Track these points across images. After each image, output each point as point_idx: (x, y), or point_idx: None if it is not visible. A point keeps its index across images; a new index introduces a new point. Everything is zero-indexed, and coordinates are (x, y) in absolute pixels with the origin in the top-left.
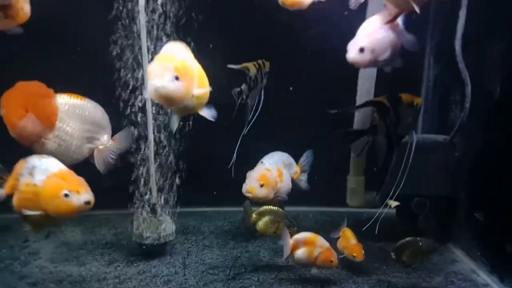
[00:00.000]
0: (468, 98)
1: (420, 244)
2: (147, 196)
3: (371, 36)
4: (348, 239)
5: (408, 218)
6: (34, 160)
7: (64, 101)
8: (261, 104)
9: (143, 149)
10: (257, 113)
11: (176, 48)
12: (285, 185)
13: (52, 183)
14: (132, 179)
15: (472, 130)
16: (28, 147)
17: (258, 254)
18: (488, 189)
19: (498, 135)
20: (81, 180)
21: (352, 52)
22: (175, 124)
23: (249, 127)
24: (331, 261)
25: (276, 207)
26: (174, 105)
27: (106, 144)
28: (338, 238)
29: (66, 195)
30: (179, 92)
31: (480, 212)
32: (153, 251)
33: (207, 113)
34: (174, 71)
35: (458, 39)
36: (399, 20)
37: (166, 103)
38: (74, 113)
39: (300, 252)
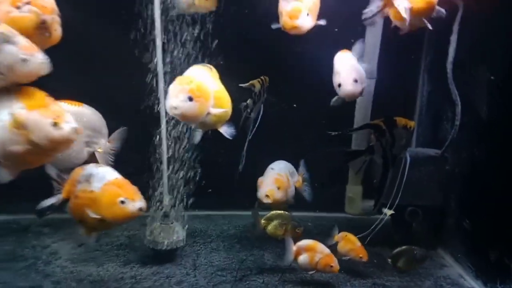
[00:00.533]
0: (458, 117)
1: (415, 252)
2: (159, 202)
3: (357, 67)
4: (353, 242)
5: (402, 226)
6: (91, 168)
7: (72, 110)
8: (260, 115)
9: (156, 156)
10: (256, 124)
11: (197, 71)
12: (291, 191)
13: (110, 191)
14: (145, 184)
15: (461, 146)
16: None
17: (263, 257)
18: (476, 200)
19: (485, 151)
20: (135, 188)
21: (349, 85)
22: (197, 137)
23: (251, 135)
24: (331, 266)
25: (282, 211)
26: (189, 122)
27: (104, 147)
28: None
29: (122, 202)
30: (192, 111)
31: (468, 221)
32: (165, 254)
33: (225, 131)
34: (188, 92)
35: (449, 62)
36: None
37: (181, 119)
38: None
39: (302, 258)
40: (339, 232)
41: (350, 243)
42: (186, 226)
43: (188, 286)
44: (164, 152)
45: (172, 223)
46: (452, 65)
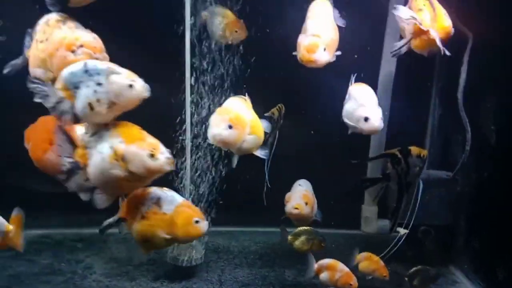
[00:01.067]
0: (468, 142)
1: (429, 272)
2: None
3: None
4: (377, 262)
5: (415, 244)
6: (157, 192)
7: (82, 132)
8: (276, 138)
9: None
10: (273, 147)
11: (234, 102)
12: (315, 208)
13: (184, 212)
14: None
15: (471, 168)
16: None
17: (284, 273)
18: (484, 220)
19: (493, 174)
20: (198, 209)
21: (378, 121)
22: (234, 161)
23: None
24: (351, 284)
25: (308, 227)
26: (229, 148)
27: None
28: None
29: (196, 222)
30: (231, 138)
31: (477, 240)
32: (190, 271)
33: (260, 153)
34: (228, 121)
35: (460, 92)
36: None
37: (222, 145)
38: None
39: (324, 275)
40: (359, 253)
41: (374, 263)
42: (204, 245)
43: None
44: (188, 173)
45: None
46: (462, 94)
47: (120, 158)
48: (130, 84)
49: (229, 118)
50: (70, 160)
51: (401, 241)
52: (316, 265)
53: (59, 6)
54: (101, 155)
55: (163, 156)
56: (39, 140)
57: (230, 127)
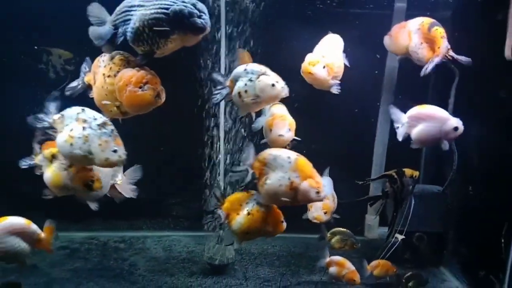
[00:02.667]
0: (455, 162)
1: (422, 276)
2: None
3: None
4: (387, 265)
5: (410, 248)
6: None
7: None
8: None
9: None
10: None
11: (283, 110)
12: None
13: (275, 212)
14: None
15: (458, 184)
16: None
17: (299, 272)
18: (470, 229)
19: (477, 189)
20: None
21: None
22: None
23: None
24: (354, 280)
25: (345, 229)
26: (282, 146)
27: (121, 180)
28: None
29: (282, 221)
30: (289, 139)
31: (463, 245)
32: (220, 268)
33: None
34: (288, 125)
35: None
36: None
37: (283, 145)
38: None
39: (332, 269)
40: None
41: (384, 266)
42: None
43: None
44: (221, 184)
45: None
46: None
47: (294, 189)
48: (273, 83)
49: (288, 123)
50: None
51: (395, 245)
52: (328, 259)
53: (146, 59)
54: (279, 181)
55: (324, 192)
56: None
57: (289, 130)
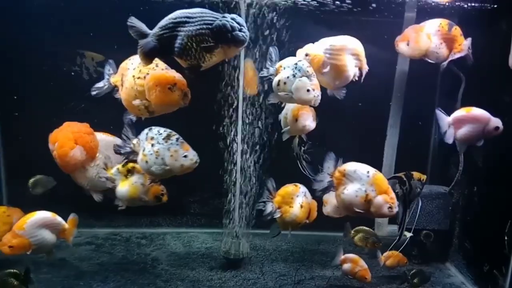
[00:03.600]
0: (461, 164)
1: (426, 273)
2: (232, 221)
3: None
4: (398, 256)
5: (418, 245)
6: (304, 188)
7: (101, 137)
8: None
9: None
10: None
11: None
12: None
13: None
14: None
15: (464, 185)
16: (70, 173)
17: (312, 267)
18: (474, 226)
19: (481, 189)
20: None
21: None
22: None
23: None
24: (366, 278)
25: (368, 228)
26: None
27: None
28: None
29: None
30: (313, 128)
31: (468, 242)
32: (237, 263)
33: None
34: (312, 116)
35: None
36: None
37: (305, 132)
38: (106, 146)
39: (346, 266)
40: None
41: (396, 257)
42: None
43: (261, 286)
44: (238, 184)
45: (240, 239)
46: None
47: (368, 201)
48: (308, 89)
49: (312, 114)
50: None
51: (405, 243)
52: (342, 257)
53: (194, 73)
54: (355, 192)
55: (395, 210)
56: (66, 139)
57: (313, 120)
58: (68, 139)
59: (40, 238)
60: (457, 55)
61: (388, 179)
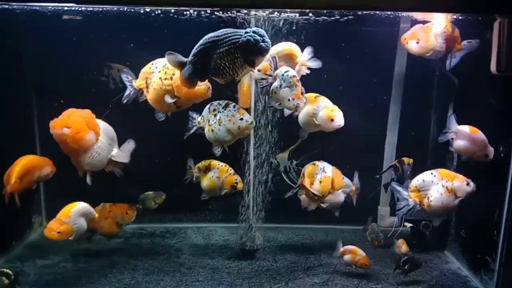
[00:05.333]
0: (455, 160)
1: (417, 260)
2: (246, 216)
3: None
4: (403, 243)
5: (418, 234)
6: (320, 163)
7: (100, 123)
8: None
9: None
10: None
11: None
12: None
13: (337, 173)
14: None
15: None
16: (76, 156)
17: (320, 256)
18: (470, 217)
19: (476, 182)
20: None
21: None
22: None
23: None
24: (366, 264)
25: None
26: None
27: (116, 154)
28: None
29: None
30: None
31: (464, 231)
32: (252, 253)
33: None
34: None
35: None
36: None
37: (336, 128)
38: (104, 131)
39: (347, 257)
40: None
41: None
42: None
43: (274, 272)
44: (251, 180)
45: (255, 232)
46: None
47: (451, 191)
48: (288, 98)
49: (341, 113)
50: None
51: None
52: (342, 249)
53: (231, 88)
54: (437, 192)
55: (471, 184)
56: (80, 124)
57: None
58: (81, 124)
59: (79, 225)
60: (462, 52)
61: (387, 169)
